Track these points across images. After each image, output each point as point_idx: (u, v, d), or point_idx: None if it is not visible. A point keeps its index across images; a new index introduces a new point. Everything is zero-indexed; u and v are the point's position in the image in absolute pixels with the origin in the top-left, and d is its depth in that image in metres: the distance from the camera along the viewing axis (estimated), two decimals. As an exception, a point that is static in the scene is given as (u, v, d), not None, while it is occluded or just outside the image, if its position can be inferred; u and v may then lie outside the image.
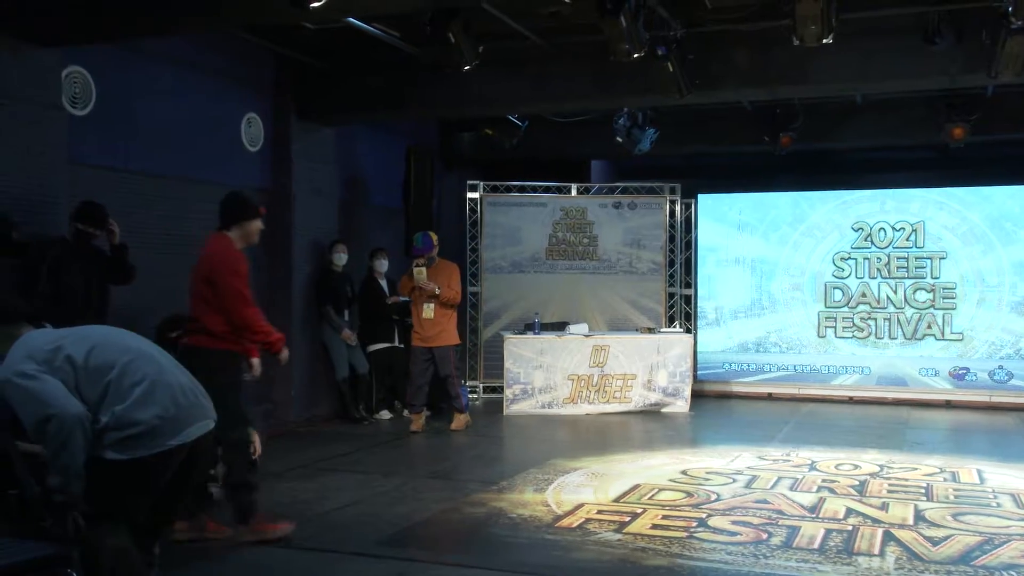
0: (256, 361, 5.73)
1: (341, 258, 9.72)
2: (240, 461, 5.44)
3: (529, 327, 10.55)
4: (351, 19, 7.96)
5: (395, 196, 11.35)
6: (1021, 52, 7.21)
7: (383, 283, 10.13)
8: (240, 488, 5.41)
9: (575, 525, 5.66)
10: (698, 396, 11.19)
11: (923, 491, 6.61)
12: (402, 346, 10.19)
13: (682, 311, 12.06)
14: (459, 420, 9.35)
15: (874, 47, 8.14)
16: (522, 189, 11.81)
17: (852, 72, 8.37)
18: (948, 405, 11.04)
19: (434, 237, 9.30)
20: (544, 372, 10.36)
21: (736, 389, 11.89)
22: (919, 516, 5.88)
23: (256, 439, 7.06)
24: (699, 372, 11.82)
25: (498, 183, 11.75)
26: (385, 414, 10.01)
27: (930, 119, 10.57)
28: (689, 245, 12.14)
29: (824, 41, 6.95)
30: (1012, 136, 11.21)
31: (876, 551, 5.14)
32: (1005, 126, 10.78)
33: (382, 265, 10.10)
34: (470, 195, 11.69)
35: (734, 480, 6.93)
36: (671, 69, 8.04)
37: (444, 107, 9.85)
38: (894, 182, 12.13)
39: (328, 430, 9.30)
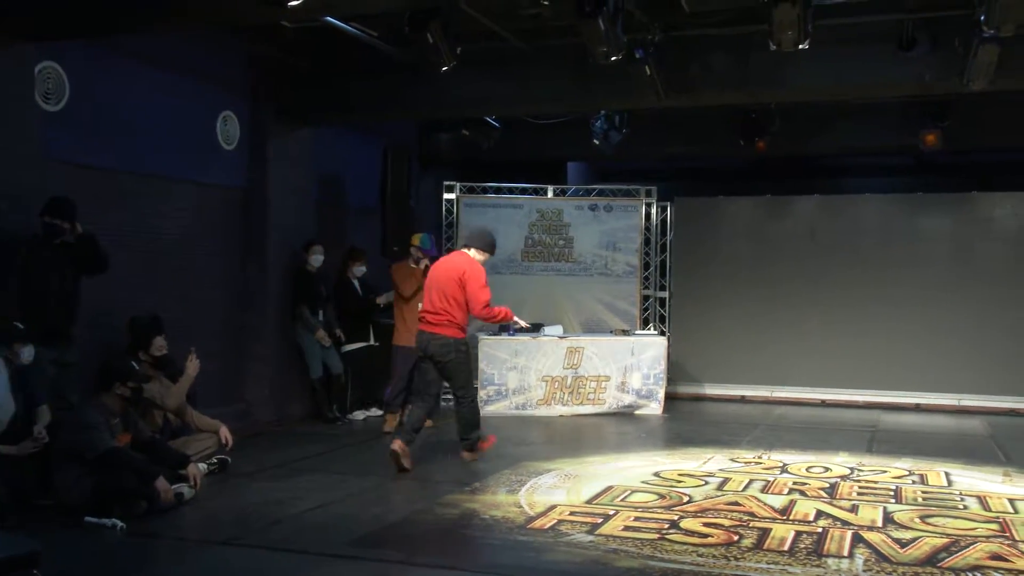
0: None
1: (318, 259, 9.69)
2: (473, 409, 7.61)
3: (504, 328, 10.53)
4: (329, 19, 7.94)
5: (371, 196, 11.32)
6: (993, 60, 7.30)
7: (356, 283, 10.11)
8: (471, 429, 7.61)
9: (547, 526, 5.67)
10: (672, 398, 11.24)
11: (892, 493, 6.67)
12: (378, 344, 10.19)
13: (657, 314, 12.11)
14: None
15: (850, 53, 8.21)
16: (498, 190, 11.82)
17: (828, 77, 8.43)
18: (918, 408, 11.15)
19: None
20: (518, 373, 10.38)
21: (709, 392, 11.95)
22: (888, 518, 5.94)
23: (226, 432, 7.08)
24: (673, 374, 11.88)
25: (475, 184, 11.75)
26: (359, 414, 9.98)
27: (905, 125, 10.68)
28: (664, 248, 12.19)
29: (800, 47, 7.00)
30: (985, 143, 11.34)
31: (845, 553, 5.18)
32: (977, 134, 10.92)
33: (359, 271, 10.07)
34: (446, 196, 11.69)
35: (706, 482, 6.97)
36: (648, 72, 8.08)
37: (422, 108, 9.83)
38: (869, 187, 12.23)
39: (302, 430, 9.26)
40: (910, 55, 7.95)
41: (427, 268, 9.26)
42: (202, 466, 6.70)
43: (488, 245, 7.71)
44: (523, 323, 8.19)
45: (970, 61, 7.44)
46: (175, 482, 6.09)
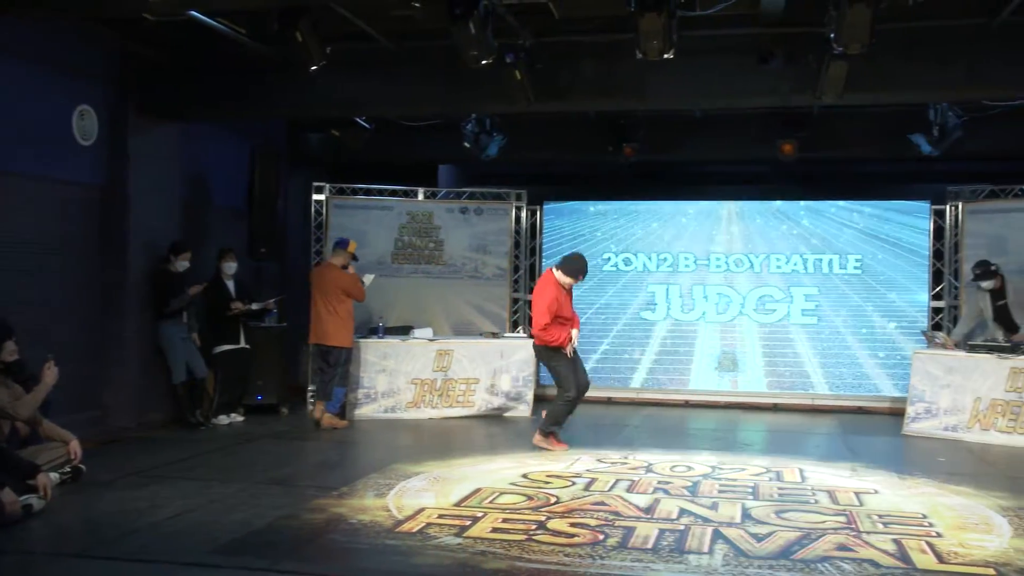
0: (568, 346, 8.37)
1: (184, 265, 9.42)
2: (556, 406, 8.49)
3: (373, 331, 10.48)
4: (195, 14, 7.73)
5: (239, 196, 11.07)
6: (842, 76, 7.68)
7: (230, 284, 9.89)
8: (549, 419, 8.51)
9: (415, 530, 5.65)
10: (541, 400, 11.35)
11: (750, 490, 6.91)
12: (248, 347, 9.98)
13: (526, 316, 12.22)
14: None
15: (712, 65, 8.50)
16: (368, 192, 11.71)
17: (692, 87, 8.70)
18: (775, 408, 11.60)
19: None
20: (387, 376, 10.30)
21: (578, 393, 12.10)
22: (746, 514, 6.14)
23: (76, 447, 6.78)
24: (542, 377, 12.03)
25: (345, 185, 11.61)
26: (223, 419, 9.73)
27: (764, 135, 11.09)
28: (534, 251, 12.33)
29: (665, 56, 7.21)
30: (836, 154, 11.90)
31: (706, 549, 5.34)
32: (830, 145, 11.45)
33: (230, 268, 9.87)
34: (316, 197, 11.51)
35: (573, 483, 7.07)
36: (519, 77, 8.18)
37: (291, 107, 9.71)
38: (731, 194, 12.64)
39: (162, 436, 8.97)
40: (768, 68, 8.29)
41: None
42: (54, 475, 6.41)
43: (571, 269, 8.31)
44: (568, 350, 8.39)
45: (822, 76, 7.81)
46: (23, 493, 5.81)
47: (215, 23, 8.09)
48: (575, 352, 8.53)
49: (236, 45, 8.66)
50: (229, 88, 9.35)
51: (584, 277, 8.47)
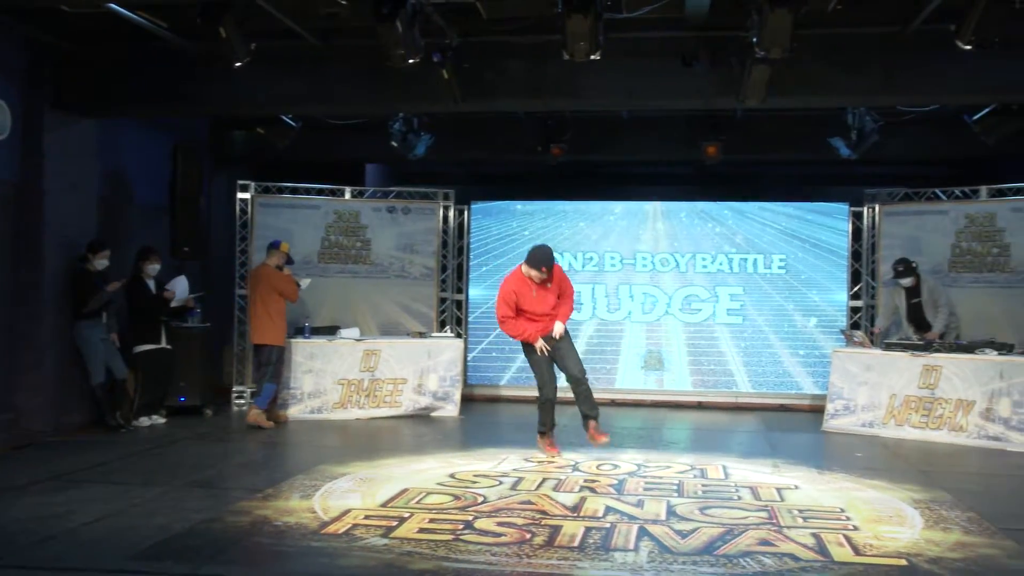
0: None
1: (103, 263, 9.21)
2: (543, 411, 8.36)
3: (299, 331, 10.37)
4: (115, 6, 7.54)
5: (161, 194, 10.83)
6: (764, 80, 7.83)
7: (151, 284, 9.69)
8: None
9: (341, 531, 5.61)
10: (468, 400, 11.37)
11: (675, 488, 7.01)
12: (170, 347, 9.80)
13: (453, 316, 12.21)
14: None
15: (639, 67, 8.58)
16: (295, 191, 11.58)
17: (618, 89, 8.78)
18: (700, 406, 11.77)
19: None
20: (314, 377, 10.21)
21: (505, 393, 12.14)
22: (671, 511, 6.23)
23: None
24: (469, 376, 12.04)
25: (270, 184, 11.46)
26: (145, 421, 9.52)
27: (689, 137, 11.25)
28: (461, 251, 12.32)
29: (592, 57, 7.27)
30: (759, 156, 12.13)
31: (631, 546, 5.40)
32: (753, 147, 11.66)
33: (154, 269, 9.70)
34: (240, 195, 11.34)
35: (500, 482, 7.09)
36: (446, 76, 8.16)
37: (214, 104, 9.54)
38: (657, 194, 12.79)
39: (81, 439, 8.75)
40: (692, 71, 8.40)
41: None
42: (-36, 481, 6.21)
43: (533, 261, 7.88)
44: (538, 347, 8.09)
45: (745, 79, 7.95)
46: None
47: (136, 16, 7.91)
48: (567, 340, 8.22)
49: (159, 40, 8.48)
50: (150, 84, 9.14)
51: (549, 269, 7.86)
